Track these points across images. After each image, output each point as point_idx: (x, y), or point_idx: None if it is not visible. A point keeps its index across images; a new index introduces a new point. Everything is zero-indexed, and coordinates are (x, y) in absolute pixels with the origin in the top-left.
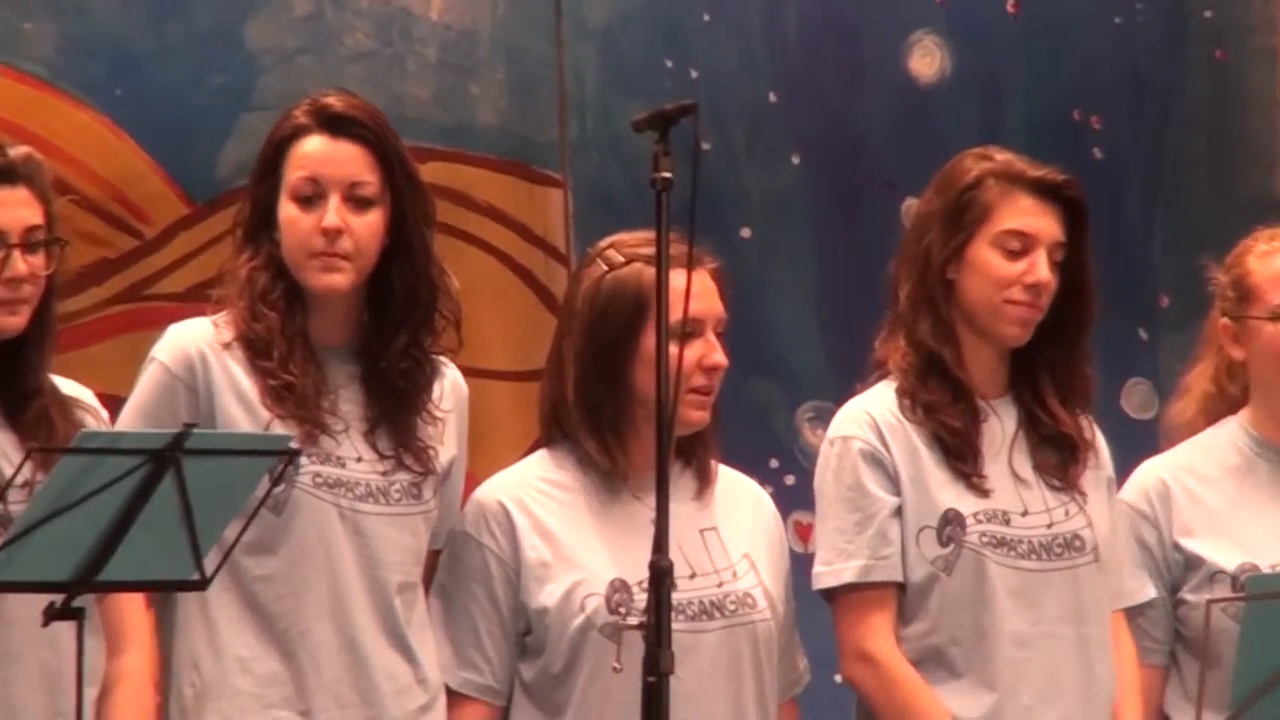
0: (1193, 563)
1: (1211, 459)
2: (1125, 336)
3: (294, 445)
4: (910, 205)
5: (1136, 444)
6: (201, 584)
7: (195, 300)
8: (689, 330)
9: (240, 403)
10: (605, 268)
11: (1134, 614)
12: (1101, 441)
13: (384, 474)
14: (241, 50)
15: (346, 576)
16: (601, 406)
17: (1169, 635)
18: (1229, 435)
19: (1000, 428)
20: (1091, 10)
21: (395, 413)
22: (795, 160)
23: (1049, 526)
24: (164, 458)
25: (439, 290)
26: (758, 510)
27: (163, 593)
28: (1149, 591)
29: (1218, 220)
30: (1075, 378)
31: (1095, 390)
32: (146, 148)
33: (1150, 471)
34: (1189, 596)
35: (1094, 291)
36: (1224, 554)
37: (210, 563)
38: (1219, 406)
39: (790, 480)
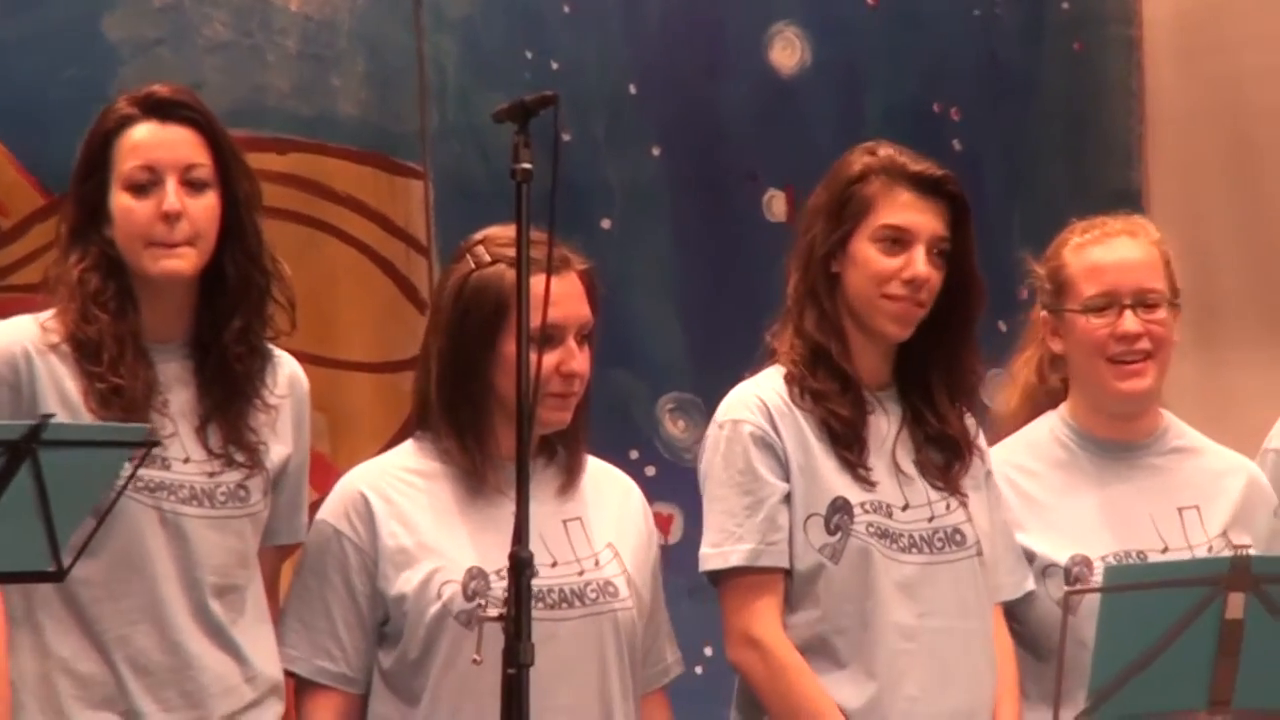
0: (1025, 557)
1: (1035, 453)
2: (984, 328)
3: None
4: (772, 196)
5: (995, 435)
6: (58, 575)
7: None
8: (549, 335)
9: (63, 405)
10: (472, 265)
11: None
12: (982, 440)
13: (211, 475)
14: (99, 41)
15: (165, 580)
16: (461, 405)
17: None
18: (1050, 428)
19: (886, 420)
20: (950, 2)
21: (228, 403)
22: (656, 152)
23: (930, 520)
24: (20, 449)
25: (272, 275)
26: (626, 502)
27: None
28: (1028, 584)
29: (1076, 211)
30: (964, 373)
31: (981, 384)
32: (3, 139)
33: None
34: None
35: (979, 286)
36: (1054, 548)
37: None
38: (1041, 397)
39: (650, 471)
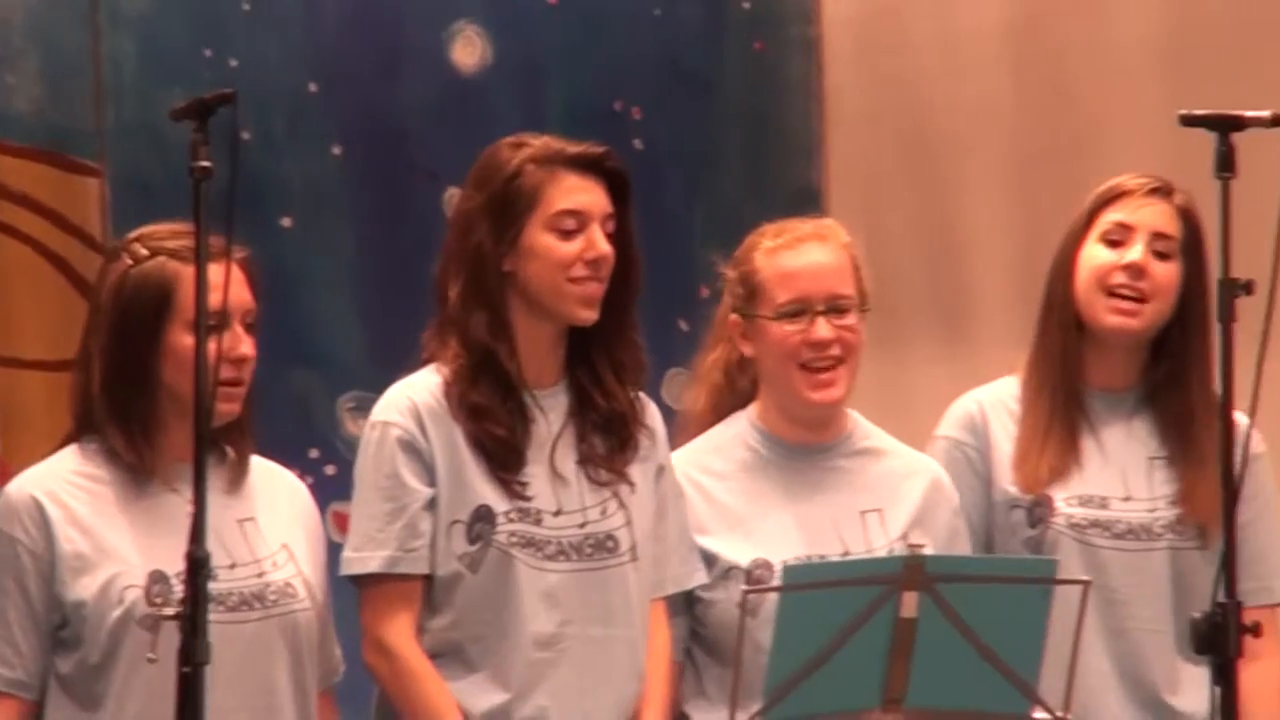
0: (708, 560)
1: (722, 456)
2: (665, 327)
3: None
4: (453, 195)
5: (677, 433)
6: None
7: None
8: (216, 323)
9: None
10: (130, 261)
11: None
12: (656, 424)
13: None
14: None
15: None
16: (129, 402)
17: (685, 633)
18: (738, 431)
19: (547, 425)
20: (631, 1)
21: None
22: (336, 150)
23: (581, 526)
24: None
25: None
26: (294, 500)
27: None
28: (700, 576)
29: (756, 211)
30: (627, 347)
31: (647, 363)
32: None
33: None
34: (704, 594)
35: (640, 260)
36: (738, 551)
37: None
38: (729, 399)
39: (331, 470)
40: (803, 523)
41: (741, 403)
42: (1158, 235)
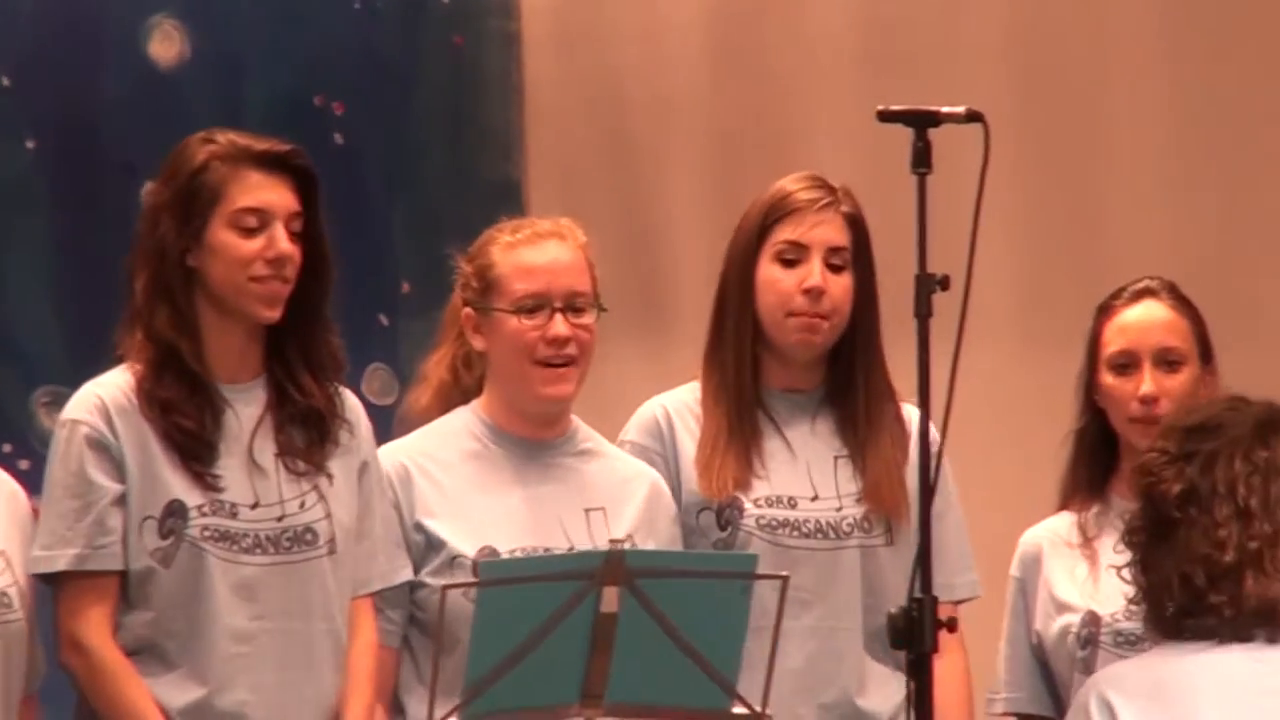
0: (434, 545)
1: (447, 443)
2: (366, 322)
3: None
4: (150, 189)
5: (379, 429)
6: None
7: None
8: None
9: None
10: None
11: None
12: (357, 418)
13: None
14: None
15: None
16: None
17: (404, 618)
18: (464, 422)
19: (238, 419)
20: None
21: None
22: (30, 144)
23: (280, 520)
24: None
25: None
26: (12, 503)
27: None
28: (406, 574)
29: (457, 206)
30: (321, 346)
31: (344, 360)
32: None
33: (389, 455)
34: (428, 579)
35: (330, 258)
36: (463, 538)
37: None
38: (453, 395)
39: (25, 465)
40: (529, 514)
41: (466, 400)
42: (832, 250)
